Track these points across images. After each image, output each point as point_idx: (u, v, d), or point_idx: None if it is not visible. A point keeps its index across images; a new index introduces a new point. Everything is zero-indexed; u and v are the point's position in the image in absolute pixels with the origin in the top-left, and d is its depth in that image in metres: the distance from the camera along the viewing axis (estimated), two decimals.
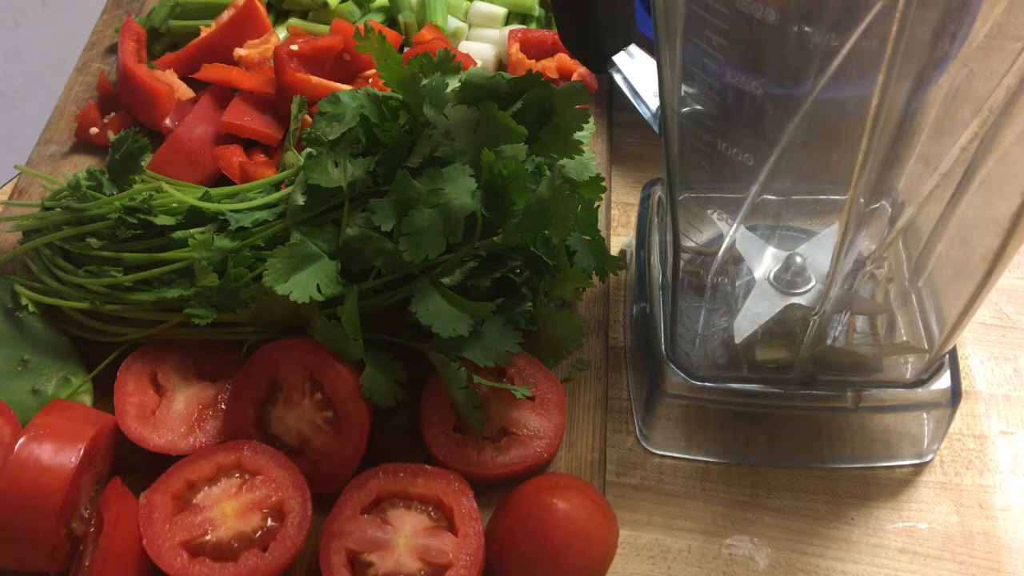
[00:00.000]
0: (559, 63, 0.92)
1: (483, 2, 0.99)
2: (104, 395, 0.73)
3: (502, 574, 0.63)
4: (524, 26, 0.98)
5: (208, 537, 0.62)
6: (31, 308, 0.73)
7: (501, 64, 0.96)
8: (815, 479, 0.71)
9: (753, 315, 0.64)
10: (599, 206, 0.73)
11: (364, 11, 0.99)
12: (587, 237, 0.72)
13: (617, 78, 0.75)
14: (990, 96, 0.48)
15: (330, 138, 0.67)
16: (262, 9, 0.94)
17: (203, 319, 0.67)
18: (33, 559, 0.62)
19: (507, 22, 1.00)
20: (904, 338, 0.67)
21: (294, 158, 0.80)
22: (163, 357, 0.72)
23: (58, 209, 0.74)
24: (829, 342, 0.65)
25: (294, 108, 0.83)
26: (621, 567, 0.67)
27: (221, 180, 0.86)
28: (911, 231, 0.63)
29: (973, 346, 0.79)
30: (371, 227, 0.65)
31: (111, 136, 0.88)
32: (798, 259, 0.64)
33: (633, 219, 0.84)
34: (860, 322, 0.68)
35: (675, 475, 0.72)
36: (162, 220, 0.71)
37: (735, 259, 0.67)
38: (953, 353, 0.67)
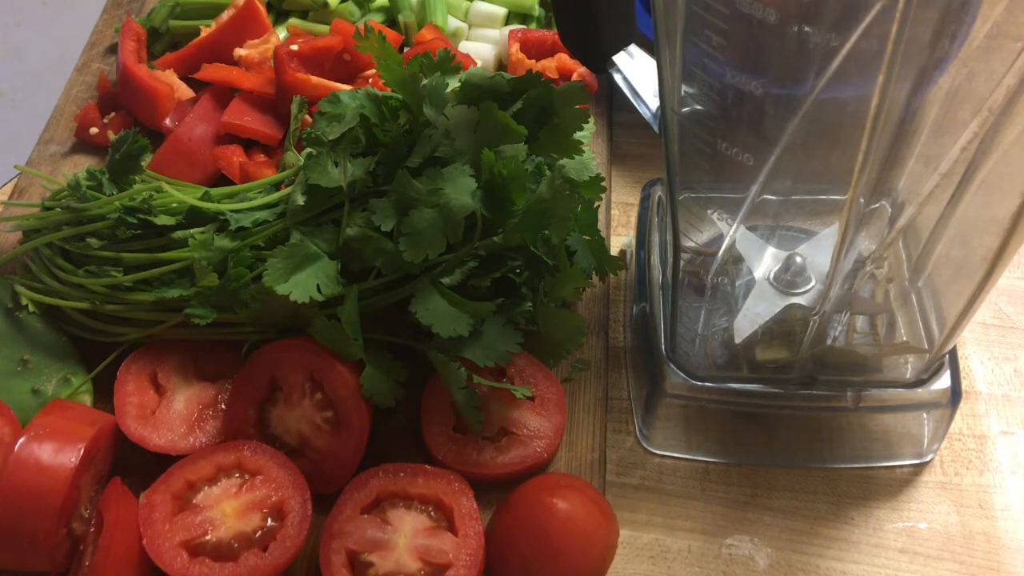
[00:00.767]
0: (559, 63, 0.92)
1: (483, 2, 0.99)
2: (104, 395, 0.72)
3: (502, 574, 0.63)
4: (524, 26, 0.98)
5: (208, 537, 0.62)
6: (31, 308, 0.73)
7: (501, 64, 0.96)
8: (815, 479, 0.71)
9: (753, 315, 0.64)
10: (599, 206, 0.73)
11: (364, 11, 0.99)
12: (587, 237, 0.72)
13: (617, 78, 0.75)
14: (990, 96, 0.48)
15: (330, 138, 0.67)
16: (262, 9, 0.94)
17: (203, 319, 0.67)
18: (33, 559, 0.62)
19: (507, 22, 1.00)
20: (904, 338, 0.67)
21: (294, 158, 0.80)
22: (163, 357, 0.72)
23: (58, 209, 0.74)
24: (829, 342, 0.65)
25: (294, 108, 0.83)
26: (621, 567, 0.67)
27: (221, 180, 0.86)
28: (911, 231, 0.63)
29: (973, 346, 0.79)
30: (371, 227, 0.65)
31: (111, 136, 0.88)
32: (798, 259, 0.64)
33: (633, 219, 0.84)
34: (860, 322, 0.68)
35: (675, 475, 0.72)
36: (162, 220, 0.71)
37: (735, 259, 0.67)
38: (953, 353, 0.67)
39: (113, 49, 1.00)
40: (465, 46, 0.96)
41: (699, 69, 0.54)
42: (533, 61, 0.93)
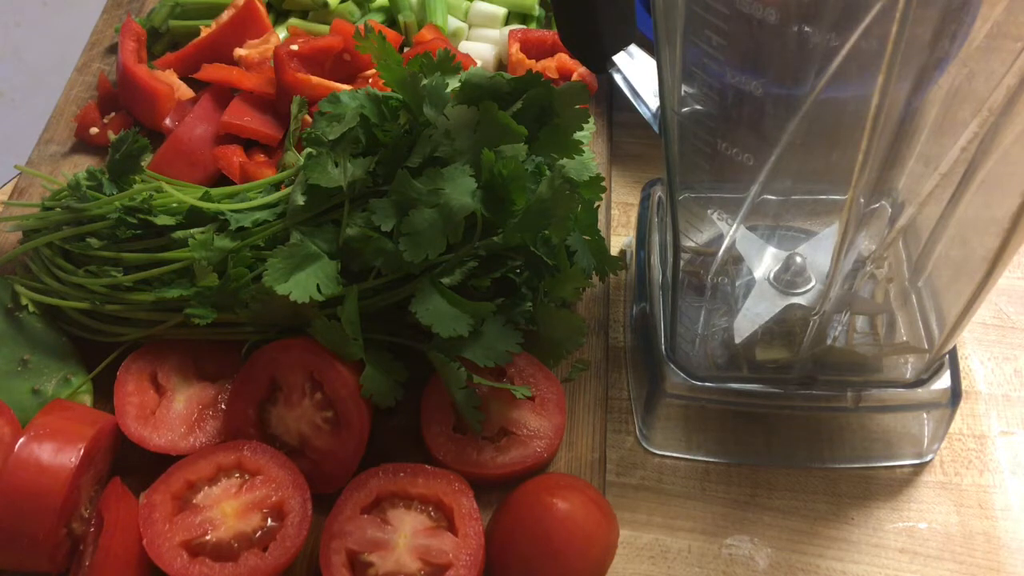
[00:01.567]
0: (559, 63, 0.92)
1: (483, 2, 0.99)
2: (104, 395, 0.72)
3: (502, 574, 0.63)
4: (524, 26, 0.98)
5: (208, 537, 0.62)
6: (31, 308, 0.73)
7: (501, 64, 0.96)
8: (815, 479, 0.71)
9: (753, 315, 0.64)
10: (599, 206, 0.73)
11: (364, 11, 0.99)
12: (587, 237, 0.72)
13: (617, 78, 0.75)
14: (990, 96, 0.48)
15: (330, 138, 0.67)
16: (262, 9, 0.94)
17: (203, 319, 0.67)
18: (33, 559, 0.62)
19: (507, 22, 1.00)
20: (904, 338, 0.67)
21: (294, 158, 0.80)
22: (163, 357, 0.72)
23: (58, 209, 0.74)
24: (829, 342, 0.65)
25: (294, 108, 0.83)
26: (621, 567, 0.67)
27: (221, 180, 0.86)
28: (911, 231, 0.63)
29: (973, 346, 0.79)
30: (371, 227, 0.65)
31: (111, 136, 0.88)
32: (798, 259, 0.64)
33: (633, 219, 0.84)
34: (860, 322, 0.68)
35: (675, 475, 0.72)
36: (162, 220, 0.71)
37: (735, 259, 0.67)
38: (953, 353, 0.67)
39: (113, 49, 1.00)
40: (465, 46, 0.96)
41: (699, 69, 0.54)
42: (533, 61, 0.93)
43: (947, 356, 0.67)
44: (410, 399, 0.69)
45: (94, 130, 0.90)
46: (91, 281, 0.71)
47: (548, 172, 0.68)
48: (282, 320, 0.69)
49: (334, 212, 0.68)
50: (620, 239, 0.85)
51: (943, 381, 0.66)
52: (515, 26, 0.97)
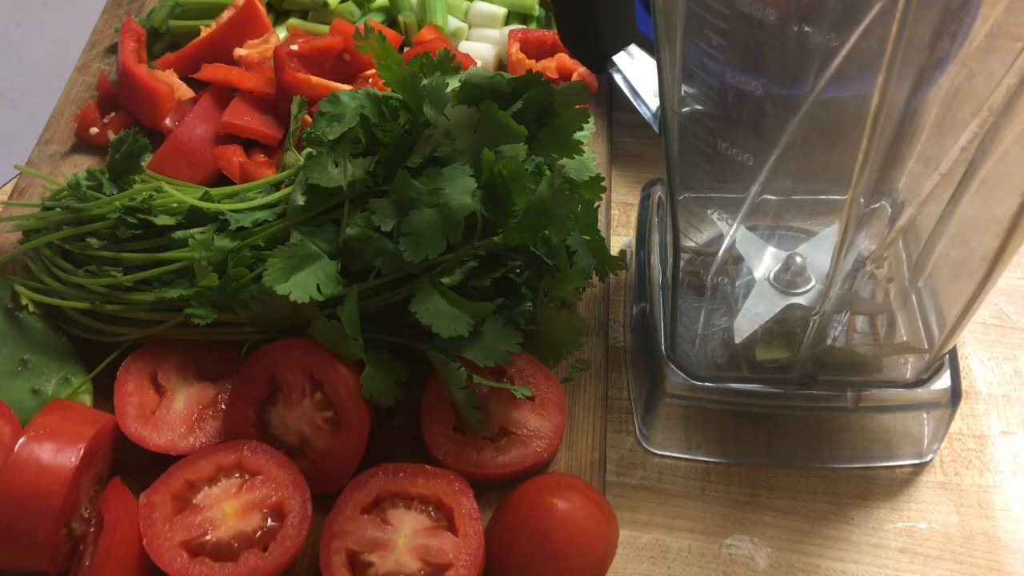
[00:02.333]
0: (559, 63, 0.92)
1: (483, 2, 0.99)
2: (104, 395, 0.72)
3: (502, 574, 0.63)
4: (524, 26, 0.98)
5: (208, 537, 0.62)
6: (31, 308, 0.73)
7: (501, 64, 0.96)
8: (815, 479, 0.71)
9: (753, 315, 0.64)
10: (599, 206, 0.73)
11: (364, 11, 0.99)
12: (587, 237, 0.72)
13: (617, 78, 0.75)
14: (990, 96, 0.48)
15: (330, 138, 0.67)
16: (262, 9, 0.94)
17: (203, 319, 0.67)
18: (33, 559, 0.62)
19: (507, 22, 1.00)
20: (904, 338, 0.67)
21: (294, 158, 0.80)
22: (163, 357, 0.72)
23: (58, 209, 0.74)
24: (829, 342, 0.65)
25: (294, 108, 0.83)
26: (621, 567, 0.67)
27: (221, 180, 0.86)
28: (911, 231, 0.63)
29: (973, 346, 0.79)
30: (371, 227, 0.65)
31: (111, 136, 0.88)
32: (798, 259, 0.64)
33: (633, 219, 0.84)
34: (860, 322, 0.68)
35: (675, 475, 0.72)
36: (162, 220, 0.71)
37: (735, 259, 0.67)
38: (953, 353, 0.67)
39: (113, 49, 1.00)
40: (465, 46, 0.96)
41: (699, 69, 0.54)
42: (533, 61, 0.93)
43: (947, 356, 0.67)
44: (410, 399, 0.69)
45: (94, 130, 0.90)
46: (91, 281, 0.71)
47: (548, 172, 0.68)
48: (282, 320, 0.69)
49: (334, 212, 0.68)
50: (620, 239, 0.85)
51: (943, 381, 0.66)
52: (515, 26, 0.97)
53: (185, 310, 0.68)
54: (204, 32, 0.94)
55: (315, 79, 0.86)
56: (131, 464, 0.69)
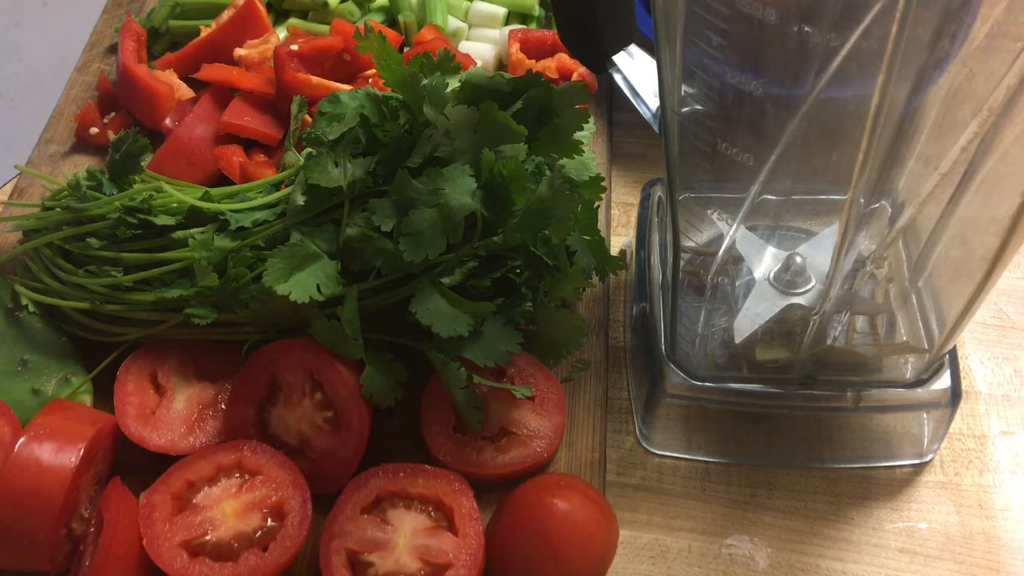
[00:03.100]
0: (559, 63, 0.92)
1: (483, 2, 0.99)
2: (104, 395, 0.72)
3: (502, 574, 0.63)
4: (524, 26, 0.98)
5: (208, 537, 0.62)
6: (31, 308, 0.73)
7: (501, 64, 0.96)
8: (815, 479, 0.71)
9: (753, 315, 0.64)
10: (599, 206, 0.73)
11: (364, 11, 0.99)
12: (587, 237, 0.72)
13: (617, 78, 0.75)
14: (990, 96, 0.48)
15: (330, 138, 0.67)
16: (262, 9, 0.94)
17: (203, 319, 0.67)
18: (33, 559, 0.62)
19: (507, 22, 1.00)
20: (904, 338, 0.67)
21: (294, 158, 0.80)
22: (163, 357, 0.72)
23: (58, 209, 0.74)
24: (829, 342, 0.65)
25: (294, 108, 0.83)
26: (621, 567, 0.67)
27: (221, 180, 0.86)
28: (911, 231, 0.63)
29: (973, 346, 0.79)
30: (371, 227, 0.65)
31: (111, 136, 0.88)
32: (798, 259, 0.64)
33: (633, 219, 0.84)
34: (860, 322, 0.68)
35: (675, 475, 0.72)
36: (162, 220, 0.71)
37: (735, 259, 0.67)
38: (953, 353, 0.67)
39: (113, 49, 1.00)
40: (465, 46, 0.96)
41: (699, 69, 0.54)
42: (533, 61, 0.93)
43: (947, 356, 0.67)
44: (410, 399, 0.69)
45: (94, 130, 0.90)
46: (91, 281, 0.71)
47: (548, 172, 0.68)
48: (282, 320, 0.69)
49: (334, 212, 0.68)
50: (620, 239, 0.85)
51: (943, 381, 0.66)
52: (515, 26, 0.97)
53: (185, 310, 0.68)
54: (204, 32, 0.94)
55: (315, 79, 0.86)
56: (131, 464, 0.69)
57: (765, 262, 0.65)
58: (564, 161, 0.70)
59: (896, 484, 0.71)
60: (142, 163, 0.76)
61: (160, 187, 0.73)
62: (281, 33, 0.96)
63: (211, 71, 0.89)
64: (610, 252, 0.75)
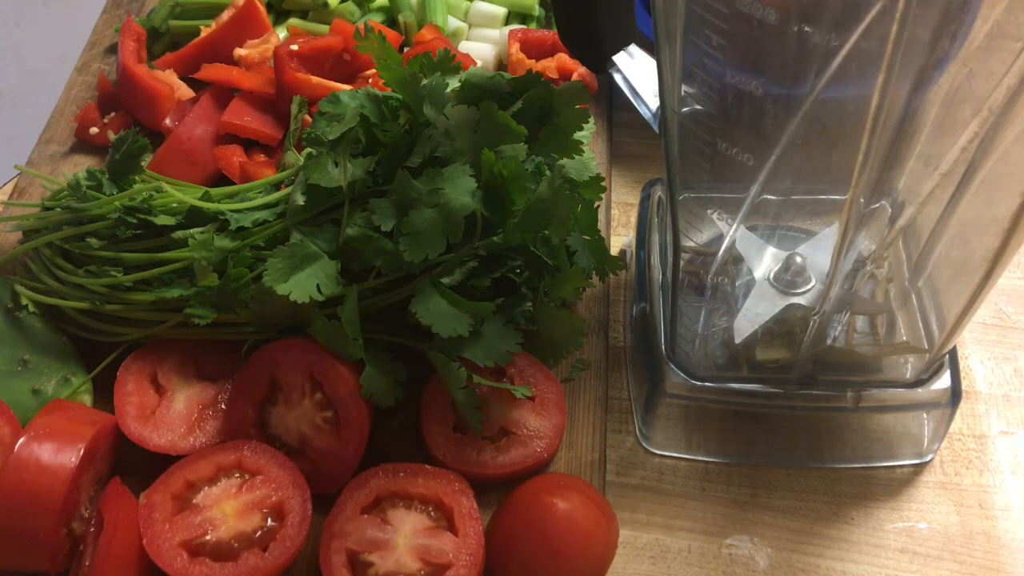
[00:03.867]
0: (559, 63, 0.92)
1: (483, 2, 0.99)
2: (104, 395, 0.72)
3: (502, 574, 0.63)
4: (524, 26, 0.98)
5: (208, 537, 0.62)
6: (31, 308, 0.73)
7: (501, 64, 0.96)
8: (815, 479, 0.71)
9: (753, 315, 0.64)
10: (599, 206, 0.73)
11: (364, 11, 0.99)
12: (587, 237, 0.72)
13: (617, 78, 0.75)
14: (990, 96, 0.48)
15: (330, 138, 0.67)
16: (262, 9, 0.94)
17: (203, 319, 0.67)
18: (33, 559, 0.62)
19: (507, 22, 1.00)
20: (904, 338, 0.67)
21: (294, 158, 0.80)
22: (163, 357, 0.72)
23: (58, 209, 0.74)
24: (829, 342, 0.65)
25: (294, 108, 0.83)
26: (621, 567, 0.67)
27: (221, 180, 0.86)
28: (911, 231, 0.63)
29: (973, 346, 0.79)
30: (371, 227, 0.65)
31: (111, 136, 0.88)
32: (798, 259, 0.64)
33: (633, 219, 0.84)
34: (860, 322, 0.68)
35: (675, 475, 0.72)
36: (162, 220, 0.71)
37: (735, 259, 0.67)
38: (953, 353, 0.67)
39: (113, 49, 1.00)
40: (465, 46, 0.96)
41: (699, 69, 0.54)
42: (533, 61, 0.93)
43: (947, 356, 0.67)
44: (410, 399, 0.69)
45: (94, 130, 0.90)
46: (91, 281, 0.71)
47: (548, 172, 0.68)
48: (282, 320, 0.69)
49: (334, 212, 0.68)
50: (620, 239, 0.85)
51: (943, 381, 0.66)
52: (515, 26, 0.97)
53: (185, 310, 0.68)
54: (204, 32, 0.94)
55: (315, 79, 0.86)
56: (131, 464, 0.69)
57: (765, 262, 0.65)
58: (564, 161, 0.70)
59: (896, 484, 0.71)
60: (142, 163, 0.76)
61: (160, 187, 0.73)
62: (281, 33, 0.96)
63: (211, 71, 0.89)
64: (610, 252, 0.75)
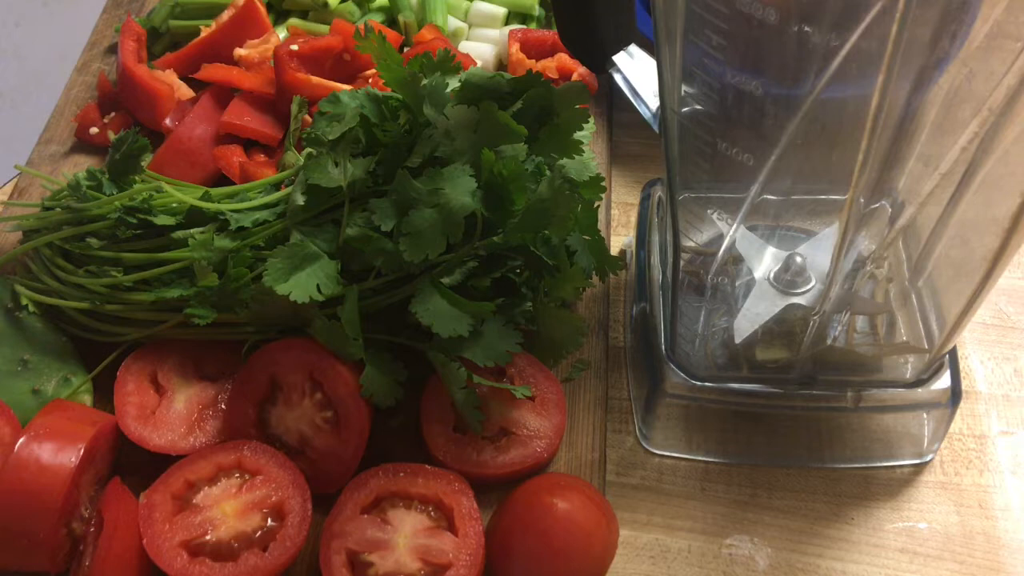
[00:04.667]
0: (559, 63, 0.92)
1: (483, 2, 0.99)
2: (104, 395, 0.72)
3: (502, 574, 0.63)
4: (524, 26, 0.98)
5: (208, 537, 0.62)
6: (31, 308, 0.73)
7: (501, 64, 0.96)
8: (815, 479, 0.71)
9: (753, 315, 0.64)
10: (599, 206, 0.73)
11: (364, 11, 0.99)
12: (587, 237, 0.72)
13: (617, 78, 0.75)
14: (990, 96, 0.48)
15: (330, 138, 0.67)
16: (262, 9, 0.94)
17: (203, 319, 0.67)
18: (33, 559, 0.62)
19: (507, 22, 1.00)
20: (904, 338, 0.67)
21: (294, 158, 0.80)
22: (163, 357, 0.72)
23: (58, 209, 0.74)
24: (829, 342, 0.65)
25: (294, 108, 0.83)
26: (621, 567, 0.67)
27: (221, 180, 0.86)
28: (911, 231, 0.63)
29: (973, 346, 0.79)
30: (371, 227, 0.65)
31: (111, 136, 0.88)
32: (798, 259, 0.64)
33: (633, 219, 0.84)
34: (860, 322, 0.68)
35: (675, 475, 0.72)
36: (162, 220, 0.71)
37: (735, 259, 0.67)
38: (953, 353, 0.67)
39: (113, 49, 1.00)
40: (465, 46, 0.96)
41: (699, 69, 0.54)
42: (533, 61, 0.93)
43: (947, 356, 0.66)
44: (410, 399, 0.69)
45: (94, 130, 0.90)
46: (91, 281, 0.71)
47: (548, 172, 0.68)
48: (282, 320, 0.69)
49: (334, 212, 0.68)
50: (620, 239, 0.85)
51: (943, 381, 0.66)
52: (515, 26, 0.97)
53: (185, 310, 0.68)
54: (204, 32, 0.94)
55: (315, 79, 0.86)
56: (131, 464, 0.69)
57: (765, 262, 0.65)
58: (564, 161, 0.70)
59: (896, 484, 0.71)
60: (142, 163, 0.76)
61: (160, 187, 0.73)
62: (281, 33, 0.96)
63: (211, 71, 0.89)
64: (610, 252, 0.75)
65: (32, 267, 0.74)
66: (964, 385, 0.72)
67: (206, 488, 0.65)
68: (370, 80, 0.90)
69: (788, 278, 0.64)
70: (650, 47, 0.64)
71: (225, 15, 0.94)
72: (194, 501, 0.64)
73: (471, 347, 0.65)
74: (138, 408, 0.69)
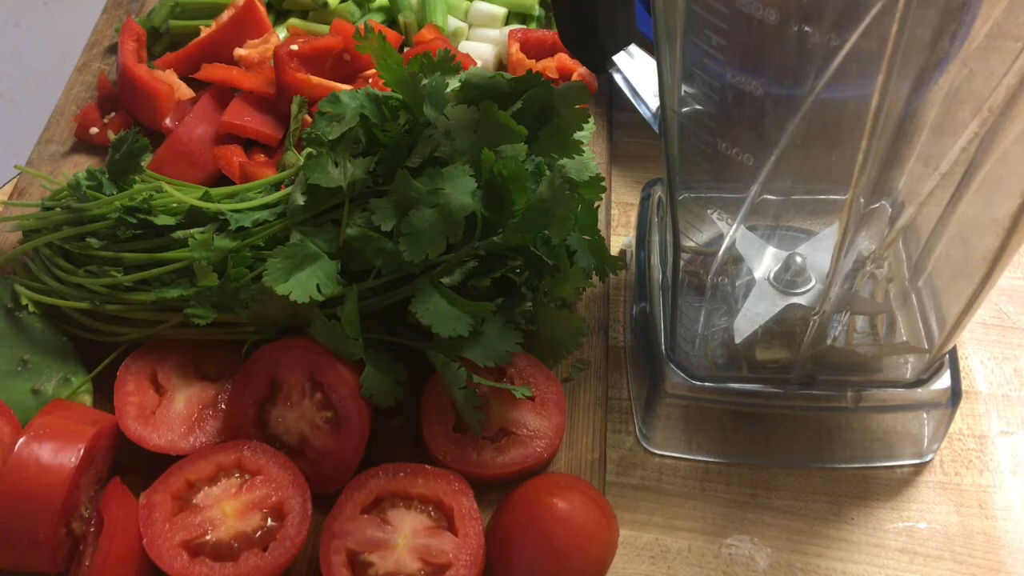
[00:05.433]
0: (559, 63, 0.92)
1: (483, 2, 0.99)
2: (104, 395, 0.72)
3: (502, 574, 0.63)
4: (524, 26, 0.98)
5: (208, 537, 0.62)
6: (31, 308, 0.73)
7: (501, 64, 0.96)
8: (815, 479, 0.71)
9: (753, 315, 0.64)
10: (599, 206, 0.73)
11: (364, 11, 0.99)
12: (587, 237, 0.72)
13: (617, 78, 0.75)
14: (990, 96, 0.48)
15: (330, 138, 0.67)
16: (262, 9, 0.94)
17: (203, 319, 0.67)
18: (33, 559, 0.62)
19: (507, 22, 1.00)
20: (904, 338, 0.67)
21: (294, 158, 0.80)
22: (163, 357, 0.72)
23: (58, 209, 0.74)
24: (829, 342, 0.65)
25: (294, 108, 0.83)
26: (621, 567, 0.67)
27: (221, 180, 0.86)
28: (911, 231, 0.63)
29: (973, 346, 0.79)
30: (371, 227, 0.65)
31: (111, 136, 0.88)
32: (798, 259, 0.64)
33: (633, 219, 0.84)
34: (860, 322, 0.68)
35: (675, 475, 0.72)
36: (162, 220, 0.71)
37: (735, 259, 0.67)
38: (953, 353, 0.67)
39: (113, 49, 1.00)
40: (465, 46, 0.96)
41: (699, 69, 0.54)
42: (533, 61, 0.93)
43: (947, 356, 0.67)
44: (410, 399, 0.69)
45: (94, 130, 0.90)
46: (91, 281, 0.71)
47: (548, 172, 0.68)
48: (282, 320, 0.69)
49: (334, 212, 0.68)
50: (620, 239, 0.85)
51: (943, 381, 0.66)
52: (515, 26, 0.97)
53: (185, 310, 0.68)
54: (204, 32, 0.94)
55: (315, 79, 0.86)
56: (131, 464, 0.69)
57: (765, 262, 0.65)
58: (564, 161, 0.70)
59: (896, 484, 0.71)
60: (142, 163, 0.76)
61: (160, 187, 0.73)
62: (281, 33, 0.96)
63: (211, 71, 0.89)
64: (610, 252, 0.75)
65: (32, 267, 0.74)
66: (964, 385, 0.72)
67: (206, 488, 0.65)
68: (370, 80, 0.90)
69: (788, 278, 0.64)
70: (650, 47, 0.64)
71: (225, 15, 0.94)
72: (194, 501, 0.64)
73: (471, 347, 0.65)
74: (138, 408, 0.69)
